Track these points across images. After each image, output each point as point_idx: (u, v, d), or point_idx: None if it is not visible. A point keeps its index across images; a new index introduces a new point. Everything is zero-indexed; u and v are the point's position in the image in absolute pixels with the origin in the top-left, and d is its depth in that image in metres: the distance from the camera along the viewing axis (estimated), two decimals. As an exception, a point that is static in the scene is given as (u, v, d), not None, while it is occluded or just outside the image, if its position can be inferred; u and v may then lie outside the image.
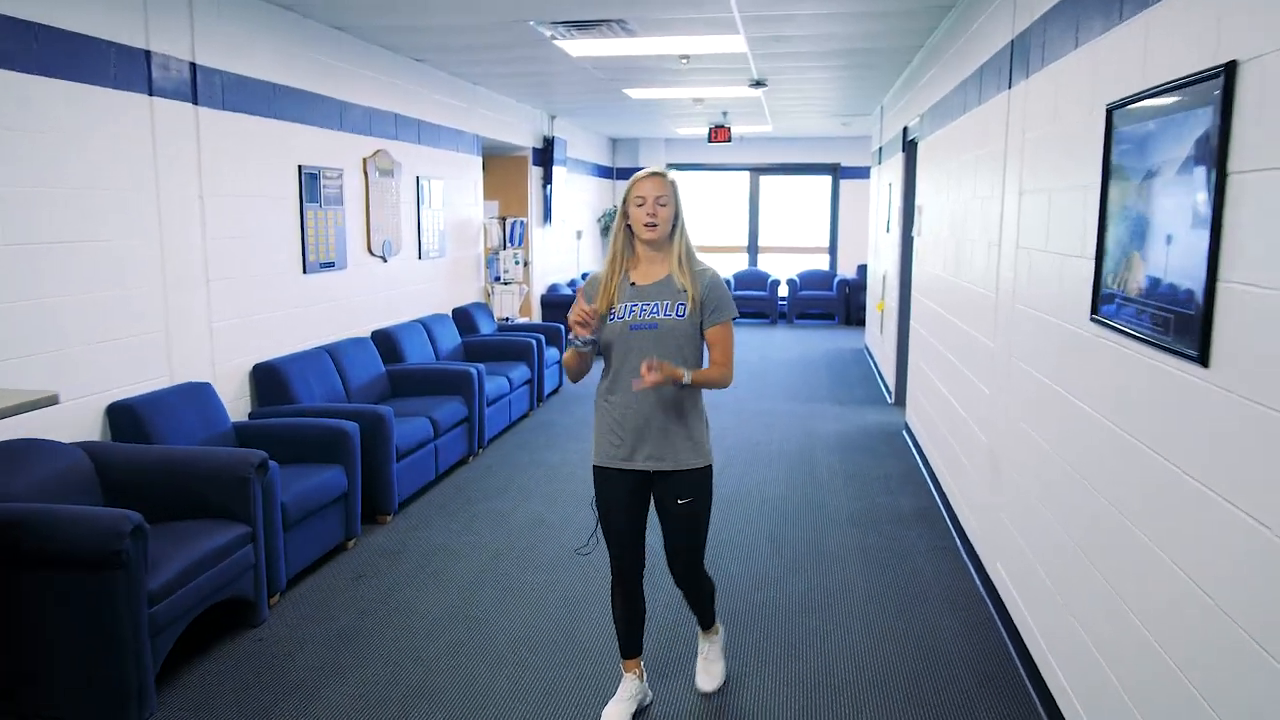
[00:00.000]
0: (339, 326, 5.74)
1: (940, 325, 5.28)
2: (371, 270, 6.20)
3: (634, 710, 2.95)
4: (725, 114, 10.30)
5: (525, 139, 9.68)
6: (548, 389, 7.79)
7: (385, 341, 6.14)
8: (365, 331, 6.09)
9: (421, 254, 7.01)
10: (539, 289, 10.26)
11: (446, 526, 4.76)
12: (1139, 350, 2.21)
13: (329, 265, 5.61)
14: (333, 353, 5.36)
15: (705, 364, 2.79)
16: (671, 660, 3.34)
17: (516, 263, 8.32)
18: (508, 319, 8.45)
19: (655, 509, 2.85)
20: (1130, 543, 2.24)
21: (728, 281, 13.23)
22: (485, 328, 7.80)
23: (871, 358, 9.92)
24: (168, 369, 4.19)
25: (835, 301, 13.32)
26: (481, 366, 6.02)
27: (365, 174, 6.09)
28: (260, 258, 4.93)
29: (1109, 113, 2.43)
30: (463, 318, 7.65)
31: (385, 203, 6.37)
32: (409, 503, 5.09)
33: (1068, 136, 2.89)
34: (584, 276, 12.14)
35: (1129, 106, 2.31)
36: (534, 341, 7.24)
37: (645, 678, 3.06)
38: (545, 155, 10.19)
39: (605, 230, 13.39)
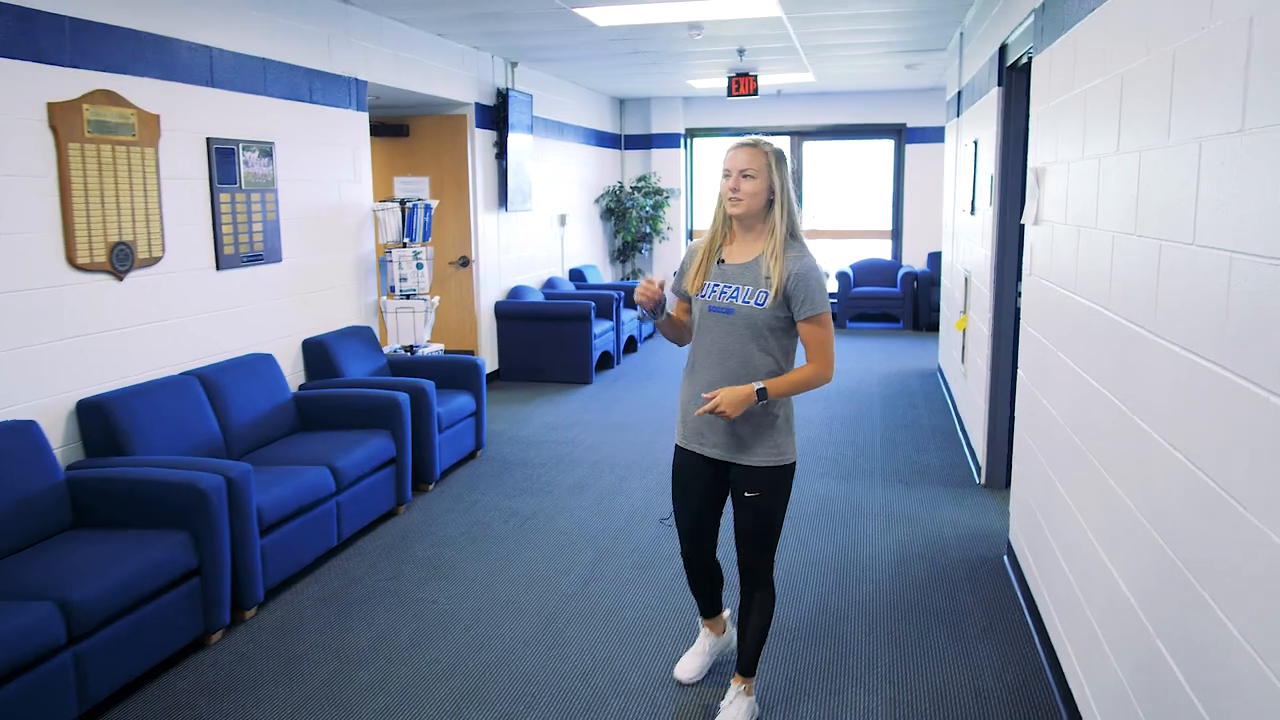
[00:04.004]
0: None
1: (1097, 412, 2.50)
2: (79, 298, 3.63)
3: (709, 663, 3.00)
4: (742, 52, 7.49)
5: (464, 92, 7.04)
6: (446, 461, 5.16)
7: (96, 421, 3.58)
8: (53, 409, 3.53)
9: (222, 261, 4.43)
10: (492, 295, 7.63)
11: None
12: None
13: (-63, 296, 3.06)
14: (-99, 468, 2.81)
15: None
16: None
17: (419, 266, 5.70)
18: (412, 348, 5.84)
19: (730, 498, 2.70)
20: None
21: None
22: (358, 367, 5.20)
23: (948, 390, 7.06)
24: None
25: (899, 300, 10.41)
26: (244, 467, 3.38)
27: (57, 133, 3.52)
28: None
29: None
30: (316, 356, 5.06)
31: (118, 180, 3.79)
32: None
33: None
34: (572, 274, 9.48)
35: None
36: (404, 398, 4.60)
37: (727, 629, 3.06)
38: (499, 115, 7.53)
39: (607, 213, 10.68)
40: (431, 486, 4.99)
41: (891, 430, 6.13)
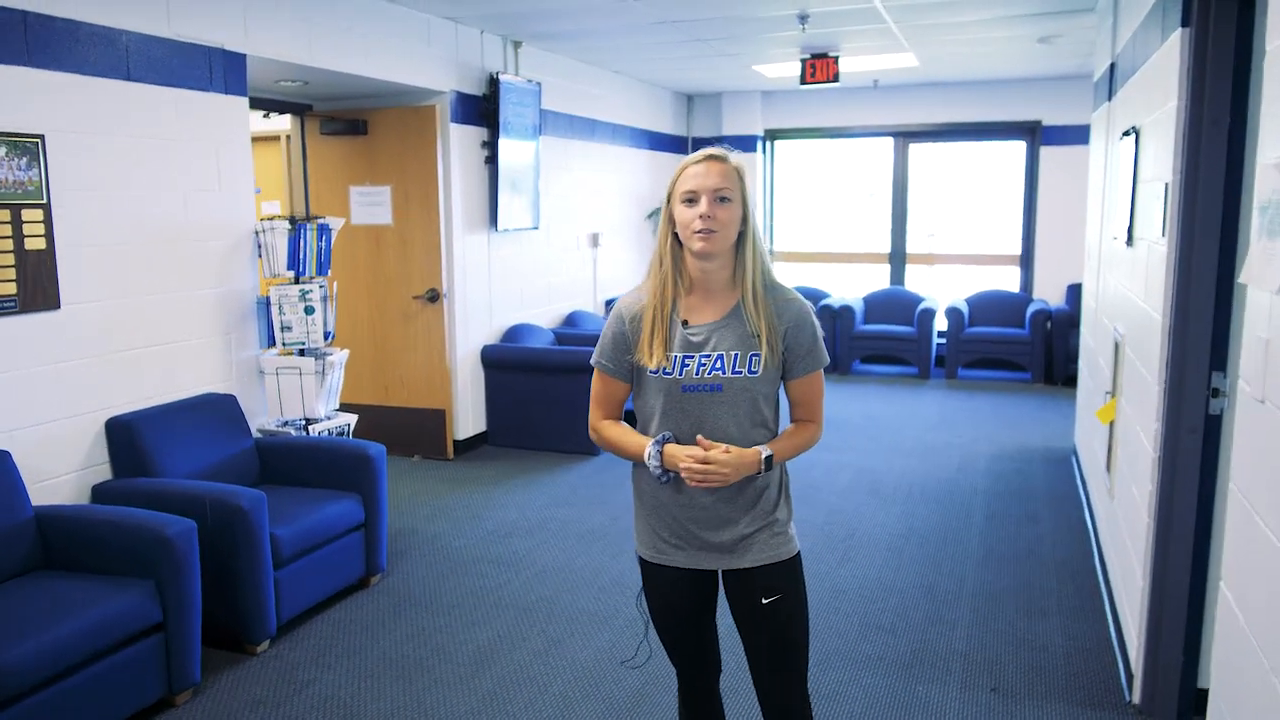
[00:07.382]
0: None
1: None
2: None
3: None
4: (804, 19, 5.56)
5: (434, 77, 5.42)
6: (304, 600, 3.46)
7: None
8: None
9: (-83, 314, 2.92)
10: (479, 338, 5.98)
11: None
12: None
13: None
14: None
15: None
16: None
17: (309, 309, 4.09)
18: (303, 423, 4.21)
19: (731, 614, 2.04)
20: None
21: (837, 313, 8.48)
22: (192, 458, 3.60)
23: (1086, 494, 4.94)
24: None
25: (1027, 346, 8.18)
26: None
27: None
28: None
29: None
30: (122, 444, 3.49)
31: None
32: None
33: None
34: (607, 306, 7.74)
35: None
36: (181, 530, 2.92)
37: None
38: (488, 107, 5.89)
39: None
40: (262, 648, 3.33)
41: (994, 566, 4.10)
